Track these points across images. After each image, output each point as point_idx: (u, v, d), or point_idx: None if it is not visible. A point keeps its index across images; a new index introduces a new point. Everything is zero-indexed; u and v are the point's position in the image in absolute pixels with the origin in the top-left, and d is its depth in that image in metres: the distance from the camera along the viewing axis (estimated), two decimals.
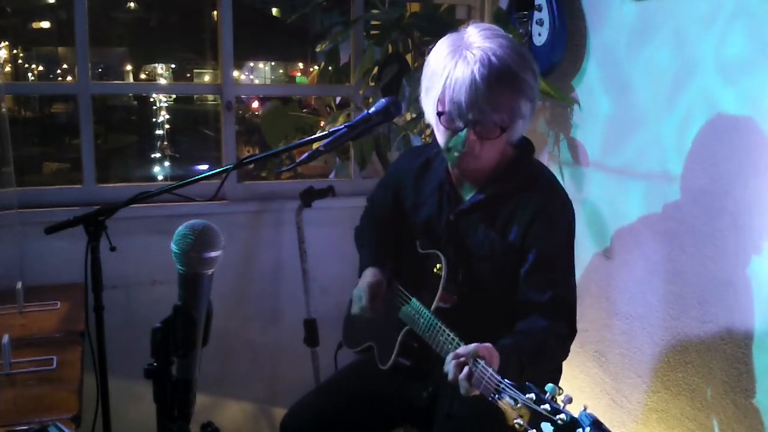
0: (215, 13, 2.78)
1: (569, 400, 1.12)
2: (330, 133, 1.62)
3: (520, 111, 1.54)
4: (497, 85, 1.48)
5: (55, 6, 8.41)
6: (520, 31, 2.36)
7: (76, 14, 2.48)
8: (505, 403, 1.21)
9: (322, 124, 3.81)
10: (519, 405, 1.17)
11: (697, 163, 1.94)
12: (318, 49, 3.18)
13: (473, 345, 1.36)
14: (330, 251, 2.81)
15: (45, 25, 8.77)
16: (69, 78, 7.79)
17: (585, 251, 2.35)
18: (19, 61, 8.68)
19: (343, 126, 1.63)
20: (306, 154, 1.62)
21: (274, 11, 9.50)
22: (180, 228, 1.11)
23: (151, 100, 8.17)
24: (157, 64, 9.59)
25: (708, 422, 1.93)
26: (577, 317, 1.64)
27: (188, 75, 9.51)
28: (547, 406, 1.12)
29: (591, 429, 1.05)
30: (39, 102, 7.96)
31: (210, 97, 7.03)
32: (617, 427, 2.24)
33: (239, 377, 2.79)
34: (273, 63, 10.20)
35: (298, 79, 9.08)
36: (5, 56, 7.43)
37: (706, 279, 1.92)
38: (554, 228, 1.62)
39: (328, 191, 2.69)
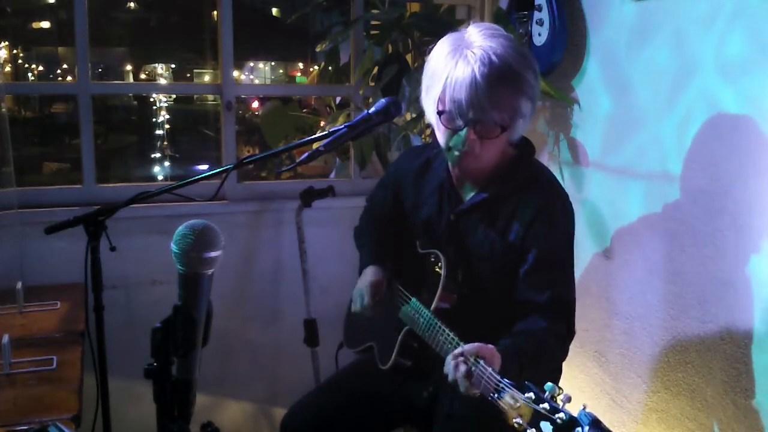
0: (215, 13, 2.78)
1: (568, 399, 1.12)
2: (330, 133, 1.62)
3: (521, 110, 1.54)
4: (498, 84, 1.48)
5: (55, 6, 8.41)
6: (520, 31, 2.36)
7: (76, 14, 2.48)
8: (505, 402, 1.21)
9: (322, 124, 3.81)
10: (518, 404, 1.17)
11: (697, 162, 1.94)
12: (318, 49, 3.18)
13: (474, 345, 1.36)
14: (330, 251, 2.81)
15: (45, 25, 8.77)
16: (69, 78, 7.79)
17: (585, 251, 2.35)
18: (19, 61, 8.68)
19: (343, 126, 1.62)
20: (306, 154, 1.62)
21: (274, 11, 9.50)
22: (180, 228, 1.11)
23: (151, 100, 8.18)
24: (157, 64, 9.59)
25: (708, 422, 1.93)
26: (577, 317, 1.64)
27: (188, 75, 9.51)
28: (546, 405, 1.12)
29: (590, 428, 1.05)
30: (39, 102, 7.96)
31: (210, 97, 7.04)
32: (617, 427, 2.24)
33: (239, 377, 2.79)
34: (273, 63, 10.20)
35: (298, 79, 9.08)
36: (5, 56, 7.43)
37: (706, 279, 1.92)
38: (554, 228, 1.62)
39: (328, 191, 2.69)
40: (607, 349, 2.31)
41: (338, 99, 3.44)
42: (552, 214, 1.62)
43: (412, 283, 1.76)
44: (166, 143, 8.13)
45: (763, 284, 1.76)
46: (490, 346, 1.36)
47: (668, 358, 2.06)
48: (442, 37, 1.59)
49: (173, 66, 9.57)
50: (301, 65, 9.47)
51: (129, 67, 9.08)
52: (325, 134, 1.63)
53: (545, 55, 2.32)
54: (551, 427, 1.09)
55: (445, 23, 2.52)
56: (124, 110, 8.73)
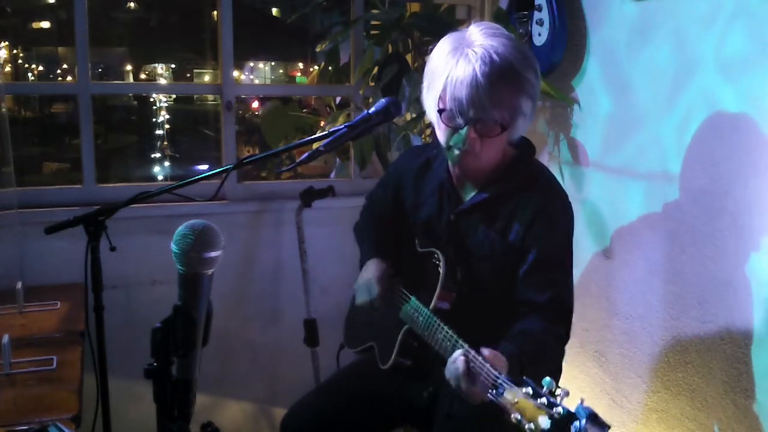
0: (215, 13, 2.78)
1: (566, 394, 1.12)
2: (330, 133, 1.62)
3: (521, 109, 1.54)
4: (498, 83, 1.48)
5: (55, 6, 8.41)
6: (520, 31, 2.36)
7: (76, 14, 2.48)
8: (504, 398, 1.21)
9: (322, 124, 3.81)
10: (516, 400, 1.17)
11: (697, 162, 1.94)
12: (318, 49, 3.18)
13: (480, 348, 1.36)
14: (330, 251, 2.81)
15: (45, 25, 8.78)
16: (69, 78, 7.80)
17: (585, 251, 2.35)
18: (19, 61, 8.68)
19: (343, 126, 1.62)
20: (306, 154, 1.62)
21: (274, 11, 9.50)
22: (180, 228, 1.11)
23: (151, 100, 8.18)
24: (157, 64, 9.60)
25: (708, 422, 1.93)
26: (577, 317, 1.64)
27: (188, 75, 9.52)
28: (544, 400, 1.12)
29: (588, 421, 1.05)
30: (39, 102, 7.97)
31: (210, 97, 7.04)
32: (617, 427, 2.24)
33: (239, 377, 2.79)
34: (273, 63, 10.21)
35: (298, 79, 9.09)
36: (5, 56, 7.43)
37: (706, 279, 1.92)
38: (554, 228, 1.62)
39: (328, 191, 2.69)
40: (607, 349, 2.31)
41: (338, 99, 3.44)
42: (552, 214, 1.62)
43: (411, 282, 1.76)
44: (166, 143, 8.13)
45: (763, 284, 1.76)
46: (496, 352, 1.37)
47: (668, 358, 2.06)
48: (442, 37, 1.59)
49: (173, 66, 9.58)
50: (301, 65, 9.48)
51: (129, 67, 9.08)
52: (325, 134, 1.62)
53: (545, 55, 2.32)
54: (549, 421, 1.09)
55: (445, 23, 2.52)
56: (124, 110, 8.73)
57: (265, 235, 2.78)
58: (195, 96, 8.69)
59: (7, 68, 7.54)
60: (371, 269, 1.80)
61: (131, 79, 8.77)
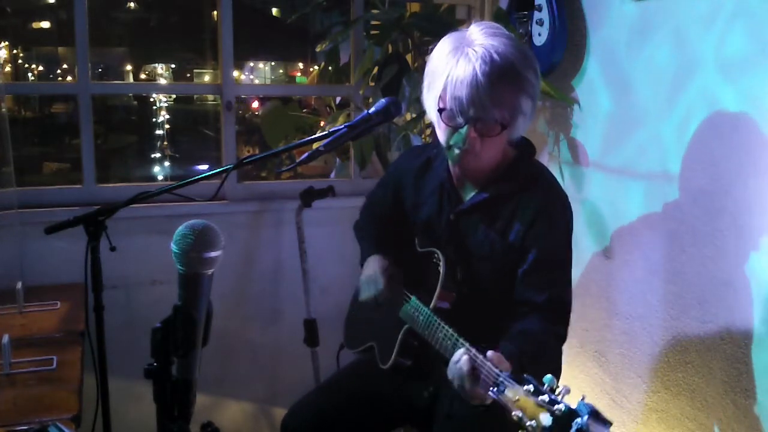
0: (215, 13, 2.78)
1: (567, 391, 1.12)
2: (330, 133, 1.62)
3: (521, 108, 1.54)
4: (499, 82, 1.48)
5: (55, 6, 8.41)
6: (520, 31, 2.36)
7: (76, 14, 2.48)
8: (505, 396, 1.21)
9: (322, 124, 3.81)
10: (518, 397, 1.17)
11: (697, 162, 1.94)
12: (318, 49, 3.18)
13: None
14: (330, 251, 2.81)
15: (45, 25, 8.78)
16: (69, 78, 7.80)
17: (585, 251, 2.35)
18: (19, 61, 8.68)
19: (343, 126, 1.62)
20: (306, 154, 1.62)
21: (274, 11, 9.50)
22: (180, 228, 1.11)
23: (151, 100, 8.18)
24: (157, 64, 9.60)
25: (708, 422, 1.93)
26: (577, 317, 1.64)
27: (188, 75, 9.52)
28: (545, 397, 1.12)
29: (589, 418, 1.05)
30: (39, 102, 7.97)
31: (210, 97, 7.04)
32: (617, 427, 2.24)
33: (239, 377, 2.79)
34: (273, 63, 10.20)
35: (298, 79, 9.09)
36: (5, 56, 7.43)
37: (706, 279, 1.92)
38: (554, 228, 1.62)
39: (328, 191, 2.69)
40: (607, 349, 2.31)
41: (338, 99, 3.44)
42: (552, 214, 1.62)
43: (411, 282, 1.76)
44: (166, 143, 8.13)
45: (763, 284, 1.76)
46: (499, 353, 1.36)
47: (668, 358, 2.06)
48: (442, 37, 1.59)
49: (173, 66, 9.58)
50: (301, 65, 9.48)
51: (129, 67, 9.08)
52: (325, 134, 1.62)
53: (545, 55, 2.32)
54: (551, 418, 1.09)
55: (445, 23, 2.52)
56: (124, 110, 8.73)
57: (265, 235, 2.78)
58: (195, 96, 8.69)
59: (7, 68, 7.55)
60: (374, 264, 1.80)
61: (131, 79, 8.77)
